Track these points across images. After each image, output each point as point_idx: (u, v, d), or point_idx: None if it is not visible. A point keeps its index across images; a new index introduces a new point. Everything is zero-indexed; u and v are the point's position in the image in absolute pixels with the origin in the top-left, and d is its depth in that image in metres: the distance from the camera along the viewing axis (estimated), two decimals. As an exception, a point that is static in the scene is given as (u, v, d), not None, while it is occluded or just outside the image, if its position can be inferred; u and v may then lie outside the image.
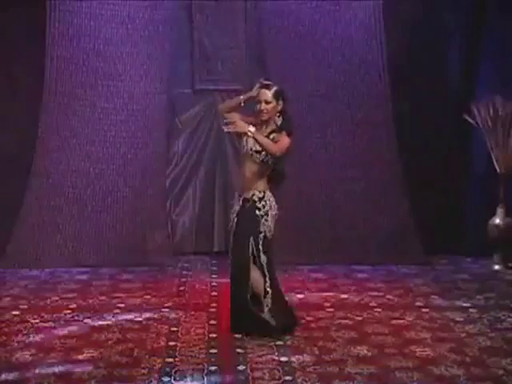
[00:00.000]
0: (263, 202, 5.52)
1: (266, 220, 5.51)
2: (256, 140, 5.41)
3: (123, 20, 7.78)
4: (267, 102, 5.49)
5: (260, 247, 5.48)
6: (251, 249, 5.47)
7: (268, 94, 5.49)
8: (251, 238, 5.47)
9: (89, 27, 7.74)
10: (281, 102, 5.52)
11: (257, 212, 5.49)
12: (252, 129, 5.41)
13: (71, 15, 7.70)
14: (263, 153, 5.45)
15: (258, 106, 5.51)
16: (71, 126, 7.76)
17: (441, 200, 8.11)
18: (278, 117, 5.55)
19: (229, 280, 5.66)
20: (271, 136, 5.49)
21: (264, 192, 5.54)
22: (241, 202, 5.57)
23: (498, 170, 7.67)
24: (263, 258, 5.48)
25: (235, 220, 5.58)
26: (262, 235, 5.49)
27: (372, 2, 7.89)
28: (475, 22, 8.08)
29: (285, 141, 5.48)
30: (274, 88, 5.52)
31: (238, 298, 5.53)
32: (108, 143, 7.80)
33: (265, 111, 5.50)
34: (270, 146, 5.43)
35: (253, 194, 5.53)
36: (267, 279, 5.49)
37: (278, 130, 5.53)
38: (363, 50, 7.93)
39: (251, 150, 5.52)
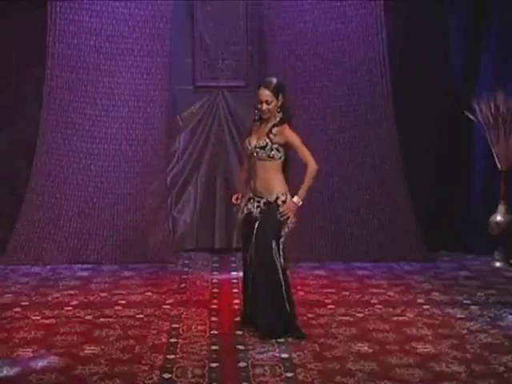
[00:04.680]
0: None
1: (287, 223, 5.47)
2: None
3: (124, 17, 7.76)
4: (268, 103, 5.46)
5: (280, 252, 5.45)
6: (274, 252, 5.41)
7: (268, 94, 5.44)
8: (273, 242, 5.42)
9: (90, 24, 7.72)
10: (281, 97, 5.48)
11: (279, 215, 5.45)
12: (296, 199, 5.42)
13: (72, 12, 7.69)
14: (267, 148, 5.44)
15: (260, 107, 5.49)
16: (72, 123, 7.75)
17: (442, 197, 8.10)
18: (279, 112, 5.51)
19: (230, 277, 5.63)
20: (273, 130, 5.47)
21: (286, 195, 5.49)
22: (262, 204, 5.49)
23: (499, 167, 7.65)
24: (282, 261, 5.45)
25: (257, 223, 5.47)
26: (282, 240, 5.47)
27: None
28: (476, 19, 8.07)
29: (293, 136, 5.46)
30: (272, 85, 5.46)
31: (272, 298, 5.42)
32: (109, 140, 7.79)
33: (266, 111, 5.48)
34: (313, 174, 5.50)
35: (277, 198, 5.47)
36: (282, 282, 5.44)
37: (279, 123, 5.51)
38: (364, 47, 7.90)
39: (255, 147, 5.49)
